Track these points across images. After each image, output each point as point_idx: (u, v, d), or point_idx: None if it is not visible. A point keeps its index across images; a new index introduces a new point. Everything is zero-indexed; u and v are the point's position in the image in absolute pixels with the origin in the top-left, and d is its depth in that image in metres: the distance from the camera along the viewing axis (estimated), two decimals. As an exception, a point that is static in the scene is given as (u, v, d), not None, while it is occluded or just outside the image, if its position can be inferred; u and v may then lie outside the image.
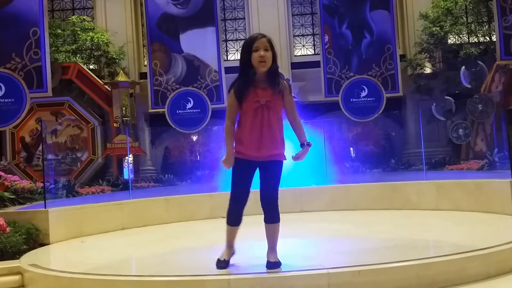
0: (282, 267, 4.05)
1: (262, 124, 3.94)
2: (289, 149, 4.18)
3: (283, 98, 4.01)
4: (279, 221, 4.12)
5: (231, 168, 4.14)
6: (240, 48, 4.08)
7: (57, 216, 6.67)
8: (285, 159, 4.12)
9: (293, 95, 11.70)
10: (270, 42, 3.97)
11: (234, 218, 4.23)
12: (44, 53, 11.35)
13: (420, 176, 8.86)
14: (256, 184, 4.18)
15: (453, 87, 15.38)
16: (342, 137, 15.62)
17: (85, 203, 7.92)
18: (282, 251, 4.84)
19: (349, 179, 9.67)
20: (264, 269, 3.97)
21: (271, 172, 4.04)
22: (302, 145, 4.08)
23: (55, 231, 6.53)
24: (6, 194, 8.00)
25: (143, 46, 17.20)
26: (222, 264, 4.17)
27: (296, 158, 4.07)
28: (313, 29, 17.90)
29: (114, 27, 16.82)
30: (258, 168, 4.09)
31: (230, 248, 4.29)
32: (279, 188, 4.16)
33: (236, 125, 4.07)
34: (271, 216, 4.09)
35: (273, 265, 4.01)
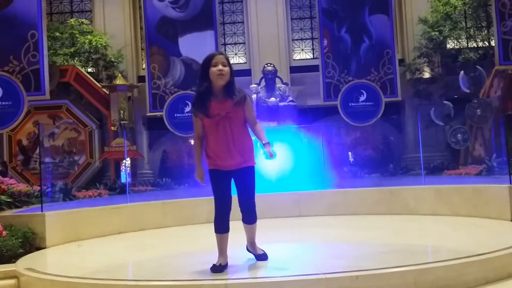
0: (280, 272, 4.07)
1: (226, 135, 4.20)
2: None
3: (244, 107, 4.27)
4: (256, 221, 4.45)
5: (210, 180, 4.36)
6: (233, 57, 4.38)
7: (54, 219, 6.64)
8: (254, 163, 4.38)
9: (291, 99, 11.72)
10: (227, 59, 4.29)
11: (221, 226, 4.36)
12: (42, 56, 11.36)
13: (419, 181, 8.84)
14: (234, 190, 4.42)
15: (452, 92, 15.38)
16: (340, 141, 15.60)
17: (82, 206, 7.88)
18: (280, 256, 4.84)
19: (347, 184, 9.65)
20: (262, 274, 3.96)
21: (244, 179, 4.32)
22: (263, 145, 4.30)
23: (51, 234, 6.50)
24: (2, 197, 7.96)
25: (142, 49, 17.19)
26: (218, 268, 4.23)
27: (267, 157, 4.28)
28: (312, 33, 17.91)
29: (112, 30, 16.81)
30: (232, 177, 4.32)
31: (223, 256, 4.39)
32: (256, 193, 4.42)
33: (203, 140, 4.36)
34: (250, 218, 4.42)
35: (263, 256, 4.52)
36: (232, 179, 4.35)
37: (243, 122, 4.32)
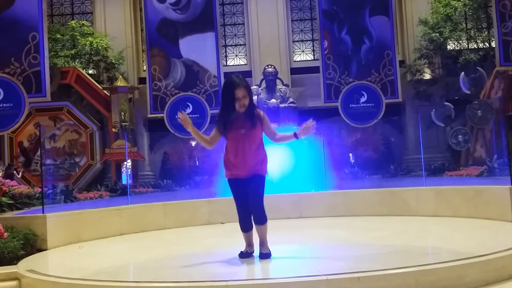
0: (281, 273, 4.11)
1: (244, 150, 4.75)
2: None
3: (262, 125, 4.79)
4: (266, 222, 4.78)
5: (230, 188, 4.95)
6: (227, 83, 4.79)
7: (55, 221, 6.64)
8: (265, 173, 4.87)
9: (292, 100, 11.81)
10: (247, 89, 4.73)
11: (242, 226, 4.90)
12: (43, 57, 11.38)
13: (419, 182, 8.84)
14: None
15: (453, 93, 15.38)
16: (341, 142, 15.59)
17: (83, 208, 7.89)
18: (281, 257, 4.85)
19: (348, 185, 9.65)
20: (263, 275, 3.96)
21: (255, 185, 4.77)
22: (296, 135, 4.78)
23: (53, 236, 6.50)
24: (4, 199, 7.98)
25: (143, 51, 17.20)
26: (244, 255, 4.87)
27: (300, 133, 4.76)
28: (312, 34, 17.93)
29: (113, 32, 16.84)
30: (246, 183, 4.79)
31: (250, 246, 4.95)
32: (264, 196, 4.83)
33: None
34: (260, 219, 4.76)
35: (265, 255, 4.75)
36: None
37: (259, 138, 4.82)
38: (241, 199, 4.85)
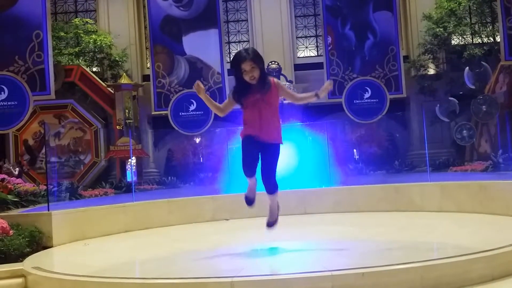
0: (286, 269, 4.12)
1: (261, 113, 4.82)
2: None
3: (277, 92, 4.89)
4: (277, 191, 4.97)
5: (242, 146, 4.91)
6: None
7: (60, 218, 6.67)
8: (281, 143, 4.96)
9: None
10: (255, 60, 4.75)
11: (247, 171, 4.88)
12: (47, 55, 11.37)
13: (424, 178, 8.82)
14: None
15: (457, 88, 15.32)
16: (345, 138, 15.58)
17: (88, 205, 7.91)
18: (286, 253, 4.85)
19: (352, 181, 9.64)
20: (268, 271, 3.96)
21: (268, 153, 4.85)
22: (317, 95, 4.95)
23: (58, 233, 6.53)
24: (9, 196, 8.00)
25: (146, 48, 17.21)
26: (246, 199, 5.10)
27: (320, 92, 4.94)
28: (316, 30, 17.89)
29: (117, 30, 16.84)
30: (259, 149, 4.84)
31: (253, 192, 5.10)
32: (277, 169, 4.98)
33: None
34: (270, 188, 4.91)
35: (272, 223, 5.00)
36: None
37: (274, 107, 4.92)
38: (253, 152, 4.85)
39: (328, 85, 4.97)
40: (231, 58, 5.08)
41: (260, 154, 4.87)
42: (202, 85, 4.86)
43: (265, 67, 13.10)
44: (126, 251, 5.92)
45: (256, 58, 4.78)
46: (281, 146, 4.98)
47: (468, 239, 5.07)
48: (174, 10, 14.71)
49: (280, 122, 5.00)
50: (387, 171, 13.94)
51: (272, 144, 4.88)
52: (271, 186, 4.90)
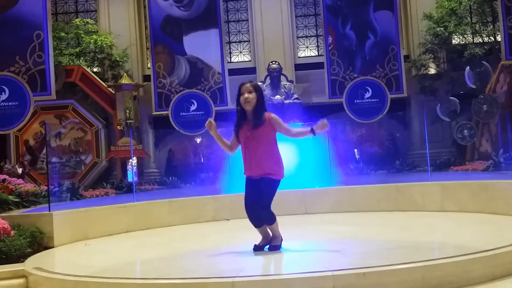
0: (287, 269, 4.19)
1: (249, 151, 4.93)
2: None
3: (272, 127, 4.92)
4: (274, 222, 4.96)
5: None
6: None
7: (62, 219, 6.67)
8: (280, 177, 5.01)
9: (296, 96, 11.90)
10: (254, 86, 4.96)
11: (252, 223, 5.03)
12: (47, 56, 11.38)
13: (425, 177, 8.82)
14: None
15: (458, 88, 15.31)
16: (346, 138, 15.56)
17: (89, 206, 7.91)
18: (287, 253, 4.85)
19: (353, 181, 9.65)
20: (269, 272, 3.97)
21: (258, 186, 4.89)
22: (312, 131, 4.94)
23: (59, 234, 6.53)
24: (10, 197, 8.00)
25: (147, 48, 17.21)
26: (256, 247, 4.98)
27: (316, 129, 4.93)
28: (316, 30, 17.88)
29: (117, 30, 16.84)
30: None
31: (264, 238, 5.05)
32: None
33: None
34: (266, 221, 4.95)
35: (273, 247, 4.93)
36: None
37: (268, 140, 4.95)
38: (247, 197, 4.99)
39: (324, 124, 4.90)
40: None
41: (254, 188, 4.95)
42: (214, 122, 5.02)
43: (266, 67, 13.13)
44: (127, 251, 5.93)
45: (256, 86, 5.00)
46: (279, 181, 5.00)
47: (469, 239, 5.07)
48: (175, 10, 14.71)
49: (279, 156, 5.00)
50: (388, 170, 13.94)
51: (264, 178, 4.89)
52: (266, 218, 4.92)
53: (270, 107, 11.50)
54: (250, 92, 4.90)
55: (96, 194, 11.36)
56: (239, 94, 4.97)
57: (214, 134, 5.05)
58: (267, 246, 4.99)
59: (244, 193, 5.06)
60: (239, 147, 5.09)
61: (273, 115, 5.00)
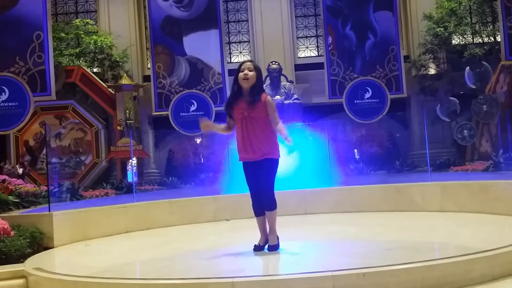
0: (287, 270, 4.13)
1: (248, 132, 4.83)
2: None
3: (266, 108, 4.84)
4: (275, 209, 4.89)
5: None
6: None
7: (61, 219, 6.67)
8: (278, 156, 4.93)
9: (296, 97, 11.82)
10: (254, 65, 4.94)
11: (254, 210, 5.00)
12: (47, 56, 11.39)
13: (425, 178, 8.82)
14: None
15: (458, 88, 15.32)
16: (346, 138, 15.58)
17: (89, 206, 7.91)
18: (287, 253, 4.85)
19: (353, 181, 9.64)
20: (269, 272, 3.97)
21: (263, 169, 4.84)
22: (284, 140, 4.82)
23: (59, 234, 6.53)
24: (10, 197, 8.01)
25: (147, 49, 17.22)
26: (257, 247, 4.93)
27: (285, 146, 4.94)
28: (316, 30, 17.89)
29: (117, 30, 16.85)
30: (256, 167, 4.87)
31: (262, 235, 4.99)
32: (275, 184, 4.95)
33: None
34: (268, 205, 4.87)
35: (272, 247, 4.86)
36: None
37: (263, 122, 4.85)
38: (252, 183, 4.95)
39: (287, 140, 4.73)
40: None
41: (255, 172, 4.89)
42: (206, 120, 5.05)
43: (266, 67, 13.13)
44: (127, 252, 5.93)
45: (257, 66, 4.97)
46: (278, 160, 4.92)
47: (469, 239, 5.07)
48: (175, 11, 14.72)
49: (276, 135, 4.92)
50: (388, 171, 13.95)
51: (266, 160, 4.83)
52: (269, 203, 4.86)
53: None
54: (250, 70, 4.87)
55: (96, 194, 11.36)
56: (239, 71, 4.91)
57: (214, 129, 5.06)
58: (266, 246, 4.96)
59: (247, 193, 5.03)
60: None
61: (269, 98, 4.95)
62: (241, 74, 4.87)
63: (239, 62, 17.81)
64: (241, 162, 4.99)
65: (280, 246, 4.96)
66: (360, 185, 8.77)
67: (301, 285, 3.72)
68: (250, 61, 5.03)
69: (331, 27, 14.57)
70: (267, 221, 4.95)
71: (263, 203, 4.89)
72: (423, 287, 3.75)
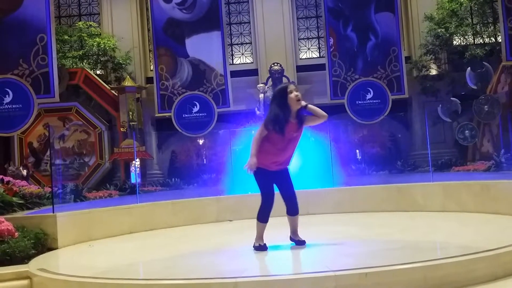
0: (290, 270, 4.21)
1: (291, 150, 5.06)
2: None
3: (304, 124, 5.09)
4: (297, 213, 5.18)
5: (259, 176, 5.04)
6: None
7: (65, 220, 6.70)
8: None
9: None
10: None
11: (267, 217, 5.05)
12: (51, 59, 11.46)
13: (427, 178, 8.83)
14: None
15: (459, 89, 15.34)
16: (348, 139, 15.59)
17: (92, 207, 7.95)
18: (289, 254, 4.88)
19: (355, 182, 9.66)
20: (271, 272, 3.99)
21: (288, 177, 5.12)
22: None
23: (63, 235, 6.56)
24: (14, 199, 8.05)
25: (149, 51, 17.26)
26: (263, 247, 5.00)
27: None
28: (318, 32, 17.91)
29: (120, 33, 16.90)
30: (275, 176, 5.07)
31: (261, 239, 5.09)
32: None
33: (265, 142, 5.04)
34: (296, 209, 5.14)
35: (302, 242, 5.13)
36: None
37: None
38: (273, 190, 5.07)
39: (250, 165, 4.94)
40: (277, 90, 5.20)
41: (278, 179, 5.09)
42: (252, 164, 4.95)
43: (268, 69, 13.18)
44: (131, 252, 5.95)
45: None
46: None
47: (471, 239, 5.08)
48: (177, 13, 14.77)
49: None
50: (390, 171, 13.96)
51: (287, 169, 5.17)
52: (297, 207, 5.14)
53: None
54: (297, 91, 5.03)
55: (99, 195, 11.40)
56: (286, 93, 4.97)
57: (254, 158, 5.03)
58: (295, 242, 5.18)
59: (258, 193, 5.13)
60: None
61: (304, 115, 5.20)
62: (292, 96, 4.96)
63: (241, 63, 17.88)
64: (261, 168, 5.00)
65: (283, 246, 5.01)
66: (362, 185, 8.79)
67: (304, 285, 3.74)
68: (292, 83, 5.30)
69: (332, 28, 14.60)
70: (290, 225, 5.19)
71: (291, 208, 5.10)
72: (426, 287, 3.77)
